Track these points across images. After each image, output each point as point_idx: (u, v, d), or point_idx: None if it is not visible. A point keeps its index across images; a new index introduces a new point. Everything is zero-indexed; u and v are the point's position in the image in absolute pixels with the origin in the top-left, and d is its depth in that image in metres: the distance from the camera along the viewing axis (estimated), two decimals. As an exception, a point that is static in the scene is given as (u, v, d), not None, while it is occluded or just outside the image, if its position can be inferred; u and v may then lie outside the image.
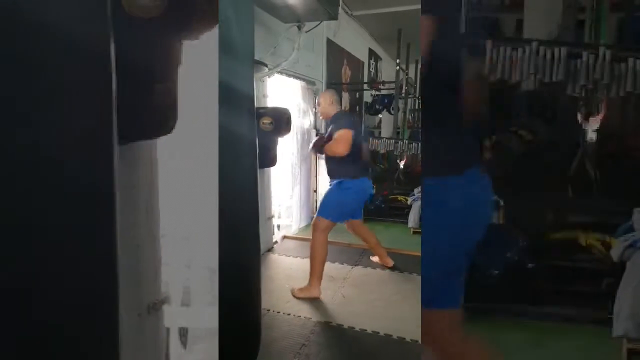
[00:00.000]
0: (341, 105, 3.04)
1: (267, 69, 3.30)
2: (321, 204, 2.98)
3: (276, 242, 3.90)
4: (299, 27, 3.44)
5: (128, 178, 1.04)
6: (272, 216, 3.85)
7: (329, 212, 2.86)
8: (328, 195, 2.95)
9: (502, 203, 2.58)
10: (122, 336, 1.01)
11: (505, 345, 2.09)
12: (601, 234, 2.46)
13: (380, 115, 7.14)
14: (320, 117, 3.20)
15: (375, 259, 3.49)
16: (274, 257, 3.66)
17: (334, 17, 3.42)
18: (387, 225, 4.69)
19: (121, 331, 0.99)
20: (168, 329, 1.28)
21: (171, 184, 1.43)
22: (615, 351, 2.02)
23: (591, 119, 2.57)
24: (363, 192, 2.97)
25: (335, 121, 2.84)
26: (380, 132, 7.19)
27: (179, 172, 1.47)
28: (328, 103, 2.95)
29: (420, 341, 2.30)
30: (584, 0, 2.57)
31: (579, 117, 2.57)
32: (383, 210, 4.97)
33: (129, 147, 1.06)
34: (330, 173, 2.97)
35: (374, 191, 3.25)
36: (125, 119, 0.97)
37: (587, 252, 2.44)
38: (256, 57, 3.24)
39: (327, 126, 3.00)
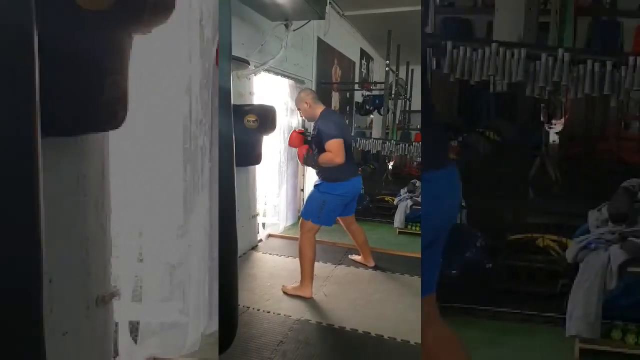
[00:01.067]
0: (320, 101, 2.93)
1: (251, 67, 3.26)
2: (304, 204, 2.95)
3: (261, 240, 3.87)
4: (287, 26, 3.41)
5: (76, 171, 1.01)
6: (257, 214, 3.82)
7: (309, 214, 2.84)
8: (309, 196, 2.94)
9: (463, 203, 2.58)
10: (70, 327, 0.98)
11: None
12: (559, 235, 2.47)
13: (372, 116, 7.12)
14: (306, 119, 3.09)
15: (356, 257, 3.45)
16: (258, 255, 3.63)
17: (321, 16, 3.40)
18: (373, 225, 4.66)
19: (67, 323, 0.95)
20: (117, 323, 1.25)
21: (133, 177, 1.40)
22: (568, 350, 2.04)
23: (554, 121, 2.57)
24: (345, 194, 2.89)
25: (323, 125, 2.74)
26: (371, 133, 7.17)
27: (142, 165, 1.44)
28: (308, 105, 2.84)
29: (398, 339, 2.30)
30: (550, 3, 2.57)
31: (542, 119, 2.58)
32: (370, 210, 4.95)
33: (78, 140, 1.03)
34: (317, 173, 2.95)
35: (362, 190, 3.22)
36: (73, 112, 0.94)
37: (544, 253, 2.45)
38: (243, 55, 3.21)
39: (314, 128, 2.89)
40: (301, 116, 3.07)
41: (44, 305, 0.64)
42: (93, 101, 0.95)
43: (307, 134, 3.07)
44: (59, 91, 0.85)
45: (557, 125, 2.76)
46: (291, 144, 3.09)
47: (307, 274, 2.80)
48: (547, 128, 2.78)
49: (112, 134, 1.17)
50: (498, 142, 2.38)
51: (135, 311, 1.36)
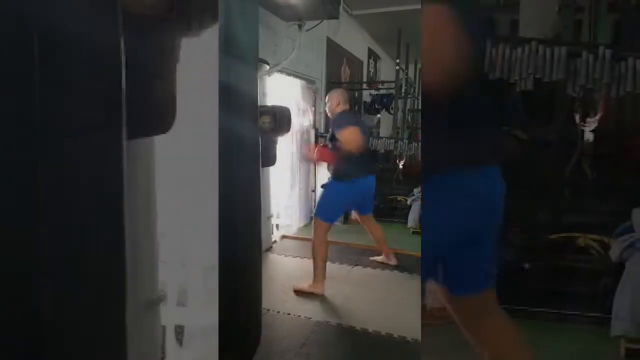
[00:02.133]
0: (348, 104, 2.99)
1: (267, 67, 3.27)
2: (317, 203, 3.06)
3: (275, 241, 3.89)
4: (300, 26, 3.41)
5: (126, 176, 1.02)
6: (271, 215, 3.83)
7: (320, 211, 2.91)
8: (320, 194, 3.03)
9: None
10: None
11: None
12: (598, 234, 2.45)
13: (379, 115, 7.13)
14: (329, 114, 3.15)
15: (377, 258, 3.49)
16: (272, 256, 3.65)
17: (335, 15, 3.40)
18: (386, 225, 4.66)
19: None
20: (164, 327, 1.26)
21: (171, 183, 1.41)
22: (612, 351, 2.02)
23: (588, 119, 2.56)
24: (353, 193, 2.94)
25: (337, 121, 2.85)
26: (379, 132, 7.17)
27: (179, 171, 1.45)
28: (335, 104, 2.93)
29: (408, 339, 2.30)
30: (582, 0, 2.56)
31: (576, 117, 2.57)
32: (382, 210, 4.97)
33: (129, 144, 1.04)
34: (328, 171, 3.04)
35: (373, 188, 3.23)
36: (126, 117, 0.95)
37: (585, 253, 2.44)
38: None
39: (332, 125, 3.00)
40: (326, 109, 3.09)
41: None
42: (143, 106, 0.96)
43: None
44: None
45: (592, 123, 2.73)
46: (321, 159, 3.12)
47: (317, 270, 2.85)
48: (581, 126, 2.75)
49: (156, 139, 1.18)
50: (531, 141, 2.37)
51: (180, 315, 1.38)
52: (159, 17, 0.88)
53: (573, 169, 2.55)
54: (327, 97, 3.05)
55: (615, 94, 1.83)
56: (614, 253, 2.11)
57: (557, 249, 2.47)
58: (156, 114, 0.99)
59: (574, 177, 2.57)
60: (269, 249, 3.76)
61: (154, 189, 1.14)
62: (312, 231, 2.91)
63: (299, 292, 2.84)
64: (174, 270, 1.36)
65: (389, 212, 4.92)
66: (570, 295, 2.32)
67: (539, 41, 1.87)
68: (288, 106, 3.35)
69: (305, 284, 2.88)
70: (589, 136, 2.65)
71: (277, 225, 4.06)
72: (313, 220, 2.97)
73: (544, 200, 2.57)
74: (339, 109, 2.92)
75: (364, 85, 6.61)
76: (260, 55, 3.24)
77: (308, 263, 3.19)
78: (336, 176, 2.87)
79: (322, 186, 3.00)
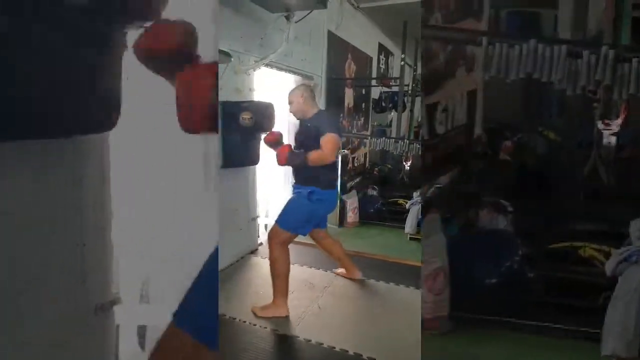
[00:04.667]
0: (315, 101, 2.91)
1: (250, 61, 3.40)
2: (283, 212, 2.82)
3: (261, 243, 3.97)
4: (288, 17, 3.50)
5: (72, 174, 1.13)
6: (257, 216, 3.94)
7: (292, 223, 2.76)
8: (294, 203, 2.83)
9: (510, 208, 2.63)
10: (66, 338, 1.10)
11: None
12: (606, 244, 2.45)
13: (392, 113, 7.23)
14: (296, 117, 2.96)
15: (339, 271, 3.43)
16: (256, 259, 3.72)
17: (323, 6, 3.43)
18: (383, 229, 4.74)
19: (63, 333, 1.09)
20: (118, 328, 1.29)
21: (138, 179, 1.53)
22: None
23: (611, 122, 2.59)
24: (331, 203, 2.96)
25: (318, 122, 2.74)
26: (391, 131, 7.28)
27: (140, 167, 1.56)
28: (301, 101, 2.81)
29: None
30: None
31: (596, 119, 2.58)
32: (382, 213, 5.02)
33: (75, 141, 1.16)
34: (301, 179, 2.85)
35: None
36: (65, 112, 1.09)
37: (587, 264, 2.44)
38: (242, 49, 3.34)
39: (302, 126, 2.89)
40: (290, 111, 2.91)
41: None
42: (86, 100, 1.10)
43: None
44: (47, 91, 0.95)
45: (614, 126, 2.74)
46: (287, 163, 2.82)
47: (280, 290, 2.73)
48: (601, 128, 2.76)
49: (117, 136, 1.30)
50: (557, 142, 2.38)
51: (142, 316, 1.49)
52: (96, 5, 1.00)
53: (589, 174, 2.56)
54: (291, 92, 2.90)
55: (617, 96, 1.88)
56: (610, 266, 2.11)
57: (560, 259, 2.48)
58: (98, 110, 1.13)
59: (589, 182, 2.56)
60: (254, 251, 3.86)
61: (108, 187, 1.23)
62: (271, 245, 2.74)
63: (259, 316, 2.72)
64: (137, 269, 1.46)
65: (388, 215, 4.98)
66: (568, 308, 2.32)
67: (538, 39, 1.91)
68: (272, 102, 3.38)
69: (261, 307, 2.78)
70: (610, 140, 2.65)
71: (266, 226, 4.19)
72: (273, 231, 2.78)
73: (557, 206, 2.59)
74: (309, 108, 2.82)
75: (373, 82, 6.74)
76: (246, 49, 3.37)
77: (292, 268, 3.25)
78: (321, 185, 2.77)
79: (309, 196, 2.80)
